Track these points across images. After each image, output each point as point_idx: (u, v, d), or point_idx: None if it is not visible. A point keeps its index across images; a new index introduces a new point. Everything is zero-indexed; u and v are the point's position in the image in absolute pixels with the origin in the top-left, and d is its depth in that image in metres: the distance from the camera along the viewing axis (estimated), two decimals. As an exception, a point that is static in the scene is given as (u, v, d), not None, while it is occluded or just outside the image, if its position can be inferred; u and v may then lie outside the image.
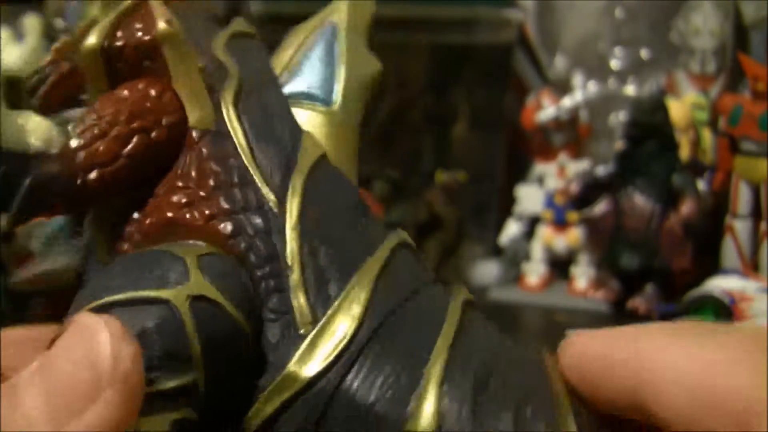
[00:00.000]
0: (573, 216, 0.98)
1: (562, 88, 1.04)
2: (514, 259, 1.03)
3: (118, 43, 0.23)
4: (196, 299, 0.20)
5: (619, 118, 1.09)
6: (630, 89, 1.13)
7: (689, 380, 0.18)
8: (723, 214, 0.92)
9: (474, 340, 0.23)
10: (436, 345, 0.22)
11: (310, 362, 0.21)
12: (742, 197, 0.90)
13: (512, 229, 1.04)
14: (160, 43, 0.23)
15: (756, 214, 0.89)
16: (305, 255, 0.22)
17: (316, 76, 0.26)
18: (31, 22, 1.07)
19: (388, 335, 0.22)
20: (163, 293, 0.20)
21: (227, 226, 0.22)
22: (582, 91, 1.01)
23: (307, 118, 0.25)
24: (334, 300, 0.22)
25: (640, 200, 0.91)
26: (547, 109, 0.99)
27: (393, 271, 0.23)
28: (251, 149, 0.23)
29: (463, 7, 1.09)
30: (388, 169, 1.04)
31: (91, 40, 0.23)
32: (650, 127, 0.90)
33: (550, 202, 1.00)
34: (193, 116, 0.23)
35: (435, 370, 0.21)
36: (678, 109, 0.98)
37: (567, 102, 1.00)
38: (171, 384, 0.19)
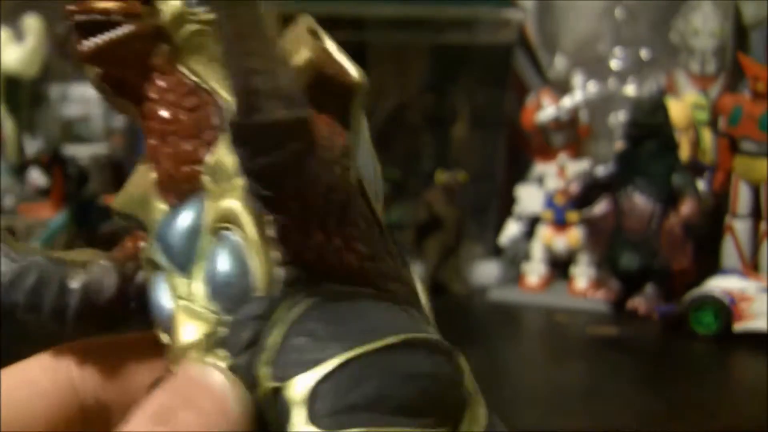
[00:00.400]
0: (573, 216, 0.98)
1: (562, 88, 1.04)
2: (514, 259, 1.03)
3: (330, 72, 0.21)
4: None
5: (619, 118, 1.09)
6: (630, 89, 1.13)
7: None
8: (723, 214, 0.92)
9: None
10: None
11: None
12: (742, 197, 0.90)
13: (512, 229, 1.04)
14: (356, 92, 0.22)
15: (756, 214, 0.89)
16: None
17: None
18: (32, 23, 1.07)
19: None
20: (444, 343, 0.21)
21: (377, 273, 0.22)
22: (582, 91, 1.01)
23: None
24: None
25: (640, 200, 0.91)
26: (547, 109, 0.99)
27: None
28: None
29: (463, 7, 1.09)
30: (388, 169, 1.04)
31: (306, 53, 0.21)
32: (650, 127, 0.90)
33: (550, 202, 1.00)
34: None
35: None
36: (678, 109, 0.98)
37: (567, 102, 1.00)
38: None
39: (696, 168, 0.98)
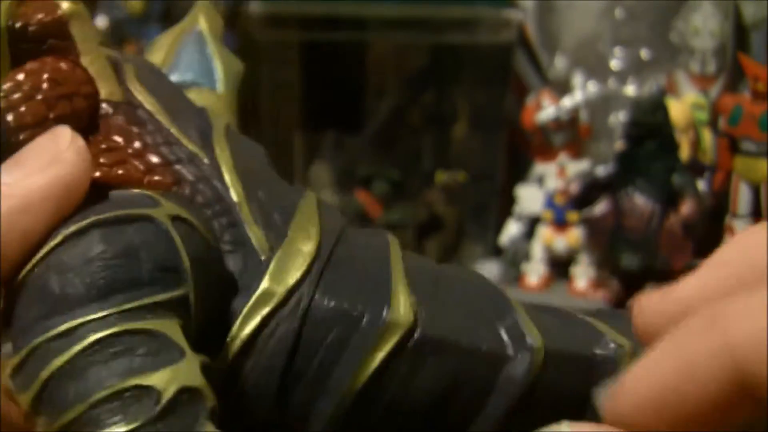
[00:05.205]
0: (573, 216, 0.98)
1: (562, 88, 1.04)
2: (514, 259, 1.03)
3: (23, 23, 0.23)
4: (175, 219, 0.22)
5: (619, 118, 1.09)
6: (630, 89, 1.13)
7: None
8: (723, 214, 0.92)
9: (416, 259, 0.26)
10: (391, 258, 0.24)
11: (282, 279, 0.23)
12: (742, 197, 0.90)
13: (512, 229, 1.04)
14: (66, 21, 0.23)
15: (756, 214, 0.89)
16: (248, 193, 0.24)
17: (195, 70, 0.29)
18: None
19: (343, 250, 0.24)
20: (146, 210, 0.21)
21: (168, 176, 0.24)
22: (582, 91, 1.01)
23: (198, 97, 0.28)
24: (285, 226, 0.24)
25: (640, 200, 0.91)
26: (547, 109, 0.99)
27: (327, 205, 0.26)
28: (166, 114, 0.25)
29: (463, 7, 1.09)
30: (388, 169, 1.04)
31: None
32: (650, 127, 0.90)
33: (550, 202, 1.00)
34: (104, 90, 0.24)
35: (398, 276, 0.24)
36: (678, 109, 0.98)
37: (567, 102, 1.00)
38: (167, 296, 0.20)
39: (696, 168, 0.98)
